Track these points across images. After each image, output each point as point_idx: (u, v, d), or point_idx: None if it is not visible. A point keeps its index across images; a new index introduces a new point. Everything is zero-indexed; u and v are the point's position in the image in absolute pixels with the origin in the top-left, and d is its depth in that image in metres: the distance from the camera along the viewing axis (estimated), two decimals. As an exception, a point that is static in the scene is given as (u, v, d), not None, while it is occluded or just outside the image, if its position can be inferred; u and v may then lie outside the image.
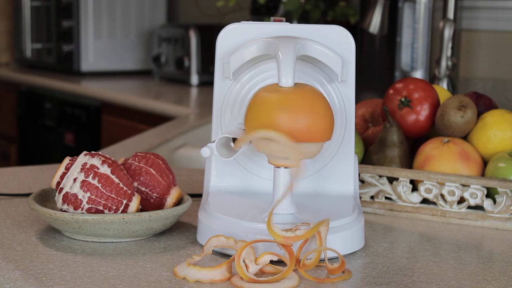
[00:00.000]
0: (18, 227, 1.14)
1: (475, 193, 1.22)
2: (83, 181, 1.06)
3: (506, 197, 1.20)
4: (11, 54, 4.07)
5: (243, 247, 0.94)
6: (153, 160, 1.14)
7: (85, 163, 1.07)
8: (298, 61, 1.15)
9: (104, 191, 1.06)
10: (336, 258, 1.03)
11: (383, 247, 1.10)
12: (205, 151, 1.03)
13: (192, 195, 1.32)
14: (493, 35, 2.32)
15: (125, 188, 1.07)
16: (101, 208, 1.06)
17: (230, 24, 1.15)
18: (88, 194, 1.06)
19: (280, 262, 1.00)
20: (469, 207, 1.25)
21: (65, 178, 1.09)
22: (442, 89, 1.42)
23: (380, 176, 1.28)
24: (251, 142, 1.04)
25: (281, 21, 1.15)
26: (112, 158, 1.10)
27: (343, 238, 1.04)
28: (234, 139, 1.05)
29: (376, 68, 2.26)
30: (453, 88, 2.01)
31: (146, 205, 1.13)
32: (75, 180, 1.07)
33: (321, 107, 1.01)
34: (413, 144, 1.38)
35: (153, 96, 2.98)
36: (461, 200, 1.25)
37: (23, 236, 1.11)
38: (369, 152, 1.31)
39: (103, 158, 1.08)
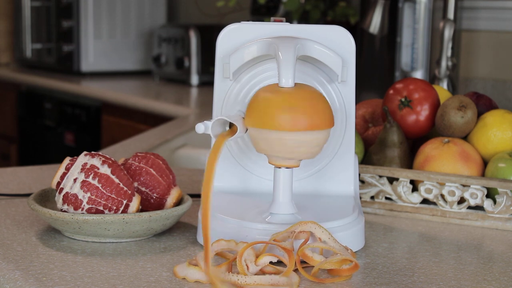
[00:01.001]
0: (18, 227, 1.14)
1: (475, 193, 1.22)
2: (83, 181, 1.06)
3: (506, 197, 1.20)
4: (11, 54, 4.08)
5: (245, 248, 0.94)
6: (153, 160, 1.14)
7: (85, 163, 1.07)
8: (298, 61, 1.15)
9: (104, 191, 1.06)
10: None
11: (383, 247, 1.10)
12: (199, 127, 1.02)
13: (192, 195, 1.32)
14: (493, 35, 2.32)
15: (125, 188, 1.07)
16: (101, 208, 1.06)
17: (230, 24, 1.15)
18: (88, 194, 1.06)
19: (280, 262, 1.00)
20: (469, 207, 1.25)
21: (65, 178, 1.09)
22: (442, 89, 1.42)
23: (380, 176, 1.28)
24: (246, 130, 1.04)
25: (281, 21, 1.15)
26: (112, 158, 1.10)
27: (343, 238, 1.04)
28: (230, 124, 1.05)
29: (376, 68, 2.26)
30: (453, 88, 2.01)
31: (146, 205, 1.13)
32: (75, 180, 1.07)
33: (318, 97, 1.02)
34: (413, 144, 1.38)
35: (153, 96, 2.98)
36: (461, 200, 1.25)
37: (23, 236, 1.10)
38: (369, 152, 1.31)
39: (103, 158, 1.08)
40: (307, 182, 1.17)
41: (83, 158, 1.08)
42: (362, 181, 1.29)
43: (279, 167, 1.06)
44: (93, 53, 3.53)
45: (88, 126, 3.15)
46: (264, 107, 1.01)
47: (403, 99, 1.32)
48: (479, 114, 1.32)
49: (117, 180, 1.07)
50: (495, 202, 1.22)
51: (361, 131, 1.41)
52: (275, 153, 1.02)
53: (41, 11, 3.70)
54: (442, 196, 1.25)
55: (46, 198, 1.16)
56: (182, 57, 3.21)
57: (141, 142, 2.01)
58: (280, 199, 1.06)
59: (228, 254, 1.00)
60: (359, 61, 2.23)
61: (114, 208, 1.07)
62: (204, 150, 2.03)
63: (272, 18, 1.16)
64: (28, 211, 1.23)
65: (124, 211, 1.07)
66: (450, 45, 1.96)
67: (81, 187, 1.06)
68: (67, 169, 1.10)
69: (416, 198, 1.26)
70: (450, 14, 2.03)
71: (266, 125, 1.00)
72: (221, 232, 1.03)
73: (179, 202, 1.15)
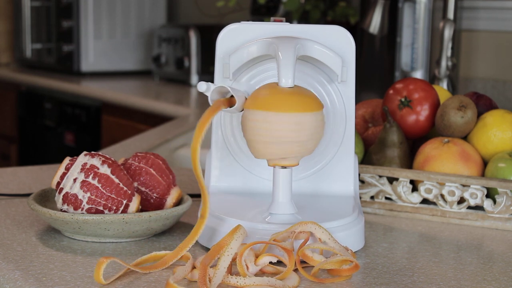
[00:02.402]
0: (18, 227, 1.14)
1: (475, 193, 1.22)
2: (83, 181, 1.06)
3: (506, 197, 1.20)
4: (11, 54, 4.08)
5: (245, 248, 0.94)
6: (153, 160, 1.14)
7: (85, 163, 1.07)
8: (298, 61, 1.15)
9: (104, 191, 1.06)
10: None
11: (383, 247, 1.10)
12: (202, 85, 1.03)
13: (192, 195, 1.32)
14: (493, 35, 2.32)
15: (125, 188, 1.07)
16: (101, 208, 1.06)
17: (230, 24, 1.15)
18: (88, 194, 1.06)
19: (280, 262, 1.00)
20: (469, 207, 1.25)
21: (65, 178, 1.09)
22: (442, 89, 1.42)
23: (380, 176, 1.28)
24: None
25: (281, 21, 1.15)
26: (112, 158, 1.10)
27: (343, 238, 1.04)
28: (231, 97, 1.05)
29: (376, 68, 2.26)
30: (453, 88, 2.01)
31: (146, 205, 1.13)
32: (75, 180, 1.07)
33: (304, 90, 1.03)
34: (413, 144, 1.38)
35: (153, 96, 2.98)
36: (461, 200, 1.25)
37: (23, 236, 1.11)
38: (369, 152, 1.31)
39: (103, 158, 1.08)
40: (307, 182, 1.17)
41: (83, 158, 1.08)
42: (362, 181, 1.29)
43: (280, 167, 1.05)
44: (93, 53, 3.53)
45: (88, 126, 3.15)
46: (255, 94, 1.02)
47: (403, 99, 1.32)
48: (479, 114, 1.32)
49: (117, 180, 1.07)
50: (495, 202, 1.22)
51: (361, 131, 1.41)
52: (265, 145, 1.02)
53: (41, 11, 3.69)
54: (442, 196, 1.25)
55: (46, 198, 1.16)
56: (182, 57, 3.21)
57: (141, 142, 2.01)
58: (280, 199, 1.06)
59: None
60: (359, 61, 2.23)
61: (114, 208, 1.07)
62: (204, 150, 2.03)
63: (272, 18, 1.16)
64: (28, 211, 1.23)
65: (124, 211, 1.07)
66: (450, 45, 1.96)
67: (81, 187, 1.06)
68: (67, 169, 1.10)
69: (416, 198, 1.26)
70: (450, 14, 2.03)
71: (255, 106, 1.01)
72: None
73: (179, 202, 1.15)
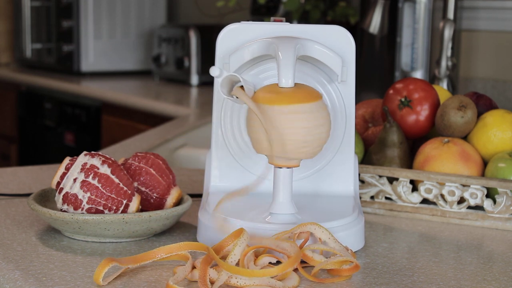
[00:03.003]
0: (18, 227, 1.14)
1: (475, 193, 1.22)
2: (83, 181, 1.06)
3: (506, 197, 1.20)
4: (11, 54, 4.08)
5: (248, 251, 0.93)
6: (153, 160, 1.14)
7: (85, 163, 1.07)
8: (298, 61, 1.15)
9: (104, 191, 1.06)
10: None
11: (383, 247, 1.10)
12: (215, 70, 1.02)
13: (192, 195, 1.32)
14: (493, 35, 2.32)
15: (125, 188, 1.07)
16: (101, 208, 1.06)
17: (230, 24, 1.15)
18: (88, 194, 1.06)
19: (280, 262, 1.00)
20: (469, 207, 1.25)
21: (65, 178, 1.09)
22: (442, 89, 1.42)
23: (380, 176, 1.28)
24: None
25: (281, 21, 1.15)
26: (112, 158, 1.10)
27: (343, 238, 1.04)
28: (241, 87, 1.04)
29: (376, 68, 2.26)
30: (453, 88, 2.01)
31: (146, 205, 1.13)
32: (75, 180, 1.07)
33: (302, 85, 1.04)
34: (413, 144, 1.38)
35: (153, 96, 2.98)
36: (461, 200, 1.25)
37: (23, 236, 1.11)
38: (369, 152, 1.31)
39: (103, 158, 1.08)
40: (307, 182, 1.17)
41: (83, 158, 1.08)
42: (362, 181, 1.29)
43: (280, 167, 1.05)
44: (93, 53, 3.53)
45: (88, 126, 3.15)
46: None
47: (403, 99, 1.32)
48: (479, 114, 1.32)
49: (117, 180, 1.07)
50: (495, 202, 1.22)
51: (361, 131, 1.41)
52: (264, 141, 1.01)
53: (41, 11, 3.69)
54: (442, 196, 1.25)
55: (46, 198, 1.16)
56: (182, 57, 3.21)
57: (141, 142, 2.01)
58: (280, 199, 1.06)
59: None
60: (359, 61, 2.23)
61: (114, 208, 1.07)
62: (204, 150, 2.03)
63: (272, 18, 1.16)
64: (28, 211, 1.23)
65: (124, 211, 1.07)
66: (450, 45, 1.96)
67: (81, 187, 1.06)
68: (67, 169, 1.10)
69: (416, 198, 1.26)
70: (450, 14, 2.03)
71: (256, 100, 1.01)
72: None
73: (179, 202, 1.16)
